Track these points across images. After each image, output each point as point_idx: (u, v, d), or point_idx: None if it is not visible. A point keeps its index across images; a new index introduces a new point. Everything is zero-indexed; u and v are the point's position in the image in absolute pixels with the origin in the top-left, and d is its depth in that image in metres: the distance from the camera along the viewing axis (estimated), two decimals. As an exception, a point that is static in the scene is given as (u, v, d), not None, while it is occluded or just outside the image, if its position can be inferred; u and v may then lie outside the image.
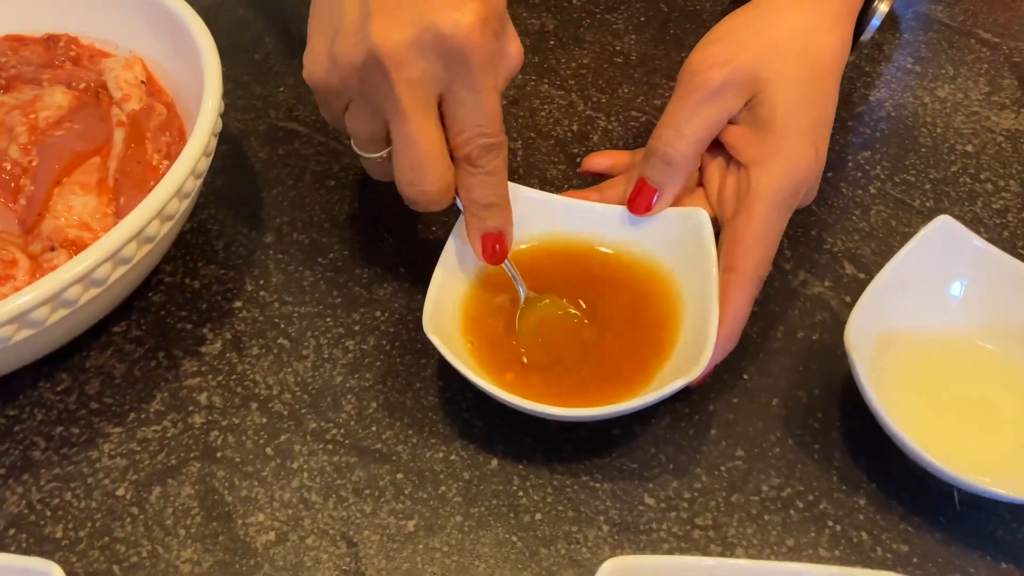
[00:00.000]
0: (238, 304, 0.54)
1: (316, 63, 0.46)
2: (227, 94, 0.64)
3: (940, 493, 0.46)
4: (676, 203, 0.52)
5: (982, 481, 0.43)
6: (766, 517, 0.46)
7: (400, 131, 0.44)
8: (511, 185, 0.49)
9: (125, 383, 0.50)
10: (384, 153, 0.47)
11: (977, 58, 0.70)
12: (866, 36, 0.57)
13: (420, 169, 0.45)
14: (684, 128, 0.50)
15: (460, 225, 0.50)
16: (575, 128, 0.64)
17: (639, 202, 0.52)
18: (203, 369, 0.51)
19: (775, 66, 0.50)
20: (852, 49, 0.56)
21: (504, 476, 0.47)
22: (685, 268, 0.50)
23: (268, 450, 0.48)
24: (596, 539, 0.45)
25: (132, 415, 0.49)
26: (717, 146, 0.53)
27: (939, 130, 0.65)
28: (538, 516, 0.45)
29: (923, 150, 0.63)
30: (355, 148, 0.48)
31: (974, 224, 0.58)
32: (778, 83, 0.50)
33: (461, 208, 0.48)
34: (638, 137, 0.63)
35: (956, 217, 0.51)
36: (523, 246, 0.52)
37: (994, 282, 0.49)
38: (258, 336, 0.52)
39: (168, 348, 0.52)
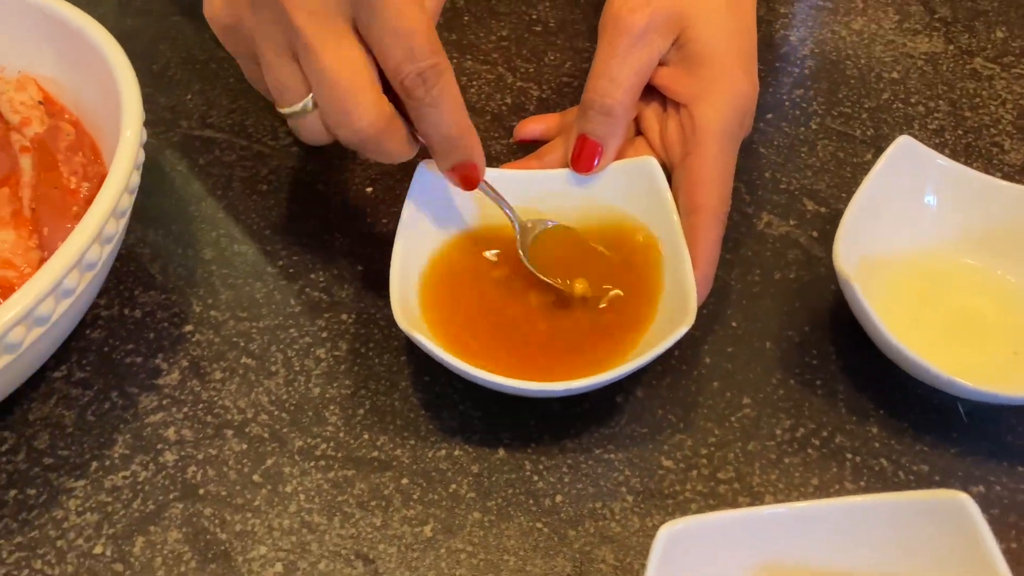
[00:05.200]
0: (188, 328, 0.49)
1: (209, 3, 0.42)
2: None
3: (945, 409, 0.46)
4: (619, 156, 0.51)
5: (987, 387, 0.43)
6: (786, 460, 0.45)
7: (312, 67, 0.40)
8: None
9: (79, 431, 0.45)
10: (308, 102, 0.43)
11: (881, -11, 0.72)
12: None
13: (344, 105, 0.40)
14: (617, 76, 0.49)
15: (406, 206, 0.47)
16: (509, 101, 0.62)
17: (583, 159, 0.50)
18: (164, 402, 0.46)
19: (696, 1, 0.49)
20: None
21: (515, 463, 0.44)
22: (647, 219, 0.49)
23: (255, 477, 0.44)
24: (623, 511, 0.43)
25: (94, 464, 0.44)
26: (648, 94, 0.52)
27: (863, 61, 0.65)
28: (558, 498, 0.43)
29: (852, 81, 0.64)
30: (278, 109, 0.44)
31: (915, 146, 0.59)
32: (702, 17, 0.49)
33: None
34: (575, 102, 0.61)
35: (897, 142, 0.51)
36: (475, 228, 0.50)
37: (962, 197, 0.49)
38: (218, 359, 0.48)
39: (120, 386, 0.47)
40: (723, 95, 0.48)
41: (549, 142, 0.53)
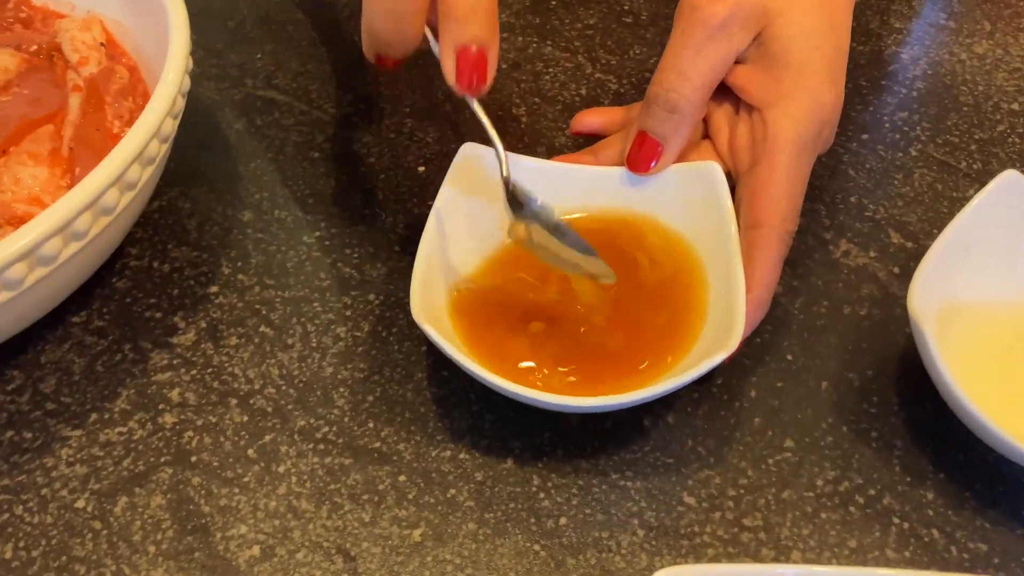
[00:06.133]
0: (214, 289, 0.48)
1: None
2: (199, 62, 0.59)
3: (1019, 483, 0.41)
4: (681, 158, 0.47)
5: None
6: (823, 515, 0.40)
7: None
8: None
9: (86, 380, 0.44)
10: None
11: (1014, 12, 0.65)
12: None
13: None
14: (688, 71, 0.44)
15: (442, 190, 0.44)
16: (583, 92, 0.58)
17: (640, 158, 0.46)
18: (175, 362, 0.45)
19: None
20: None
21: (522, 476, 0.41)
22: (701, 231, 0.45)
23: (250, 452, 0.42)
24: (631, 545, 0.39)
25: (94, 416, 0.43)
26: (721, 91, 0.47)
27: (980, 88, 0.59)
28: (563, 521, 0.40)
29: (965, 109, 0.58)
30: None
31: (1027, 187, 0.53)
32: (789, 14, 0.44)
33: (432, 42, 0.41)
34: (654, 100, 0.58)
35: (1010, 178, 0.45)
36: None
37: (1069, 244, 0.43)
38: (237, 324, 0.46)
39: (135, 340, 0.46)
40: (802, 102, 0.44)
41: (607, 137, 0.50)
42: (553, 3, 0.65)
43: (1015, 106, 0.58)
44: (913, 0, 0.66)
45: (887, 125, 0.57)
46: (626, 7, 0.64)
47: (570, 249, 0.42)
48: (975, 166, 0.55)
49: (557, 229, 0.42)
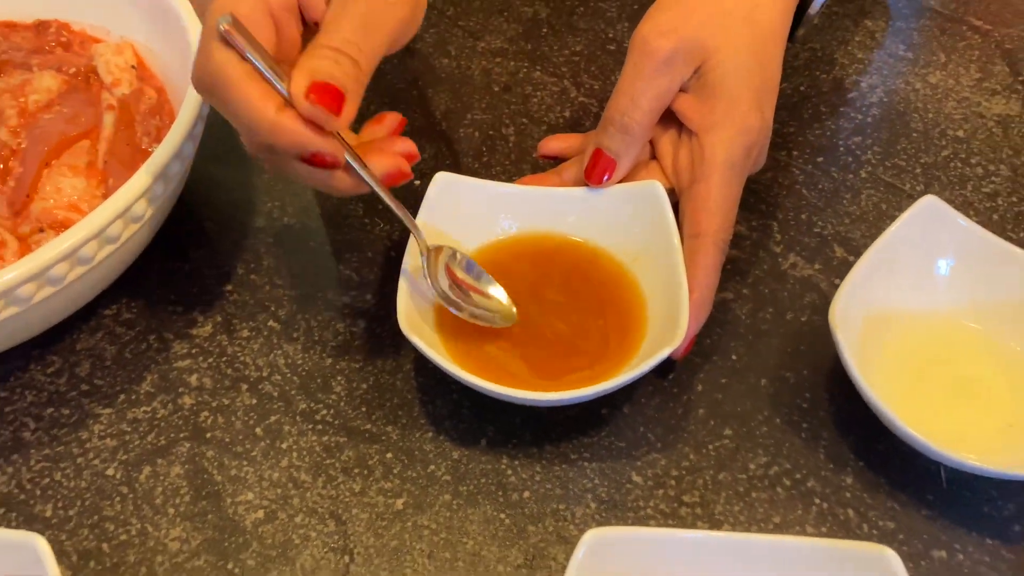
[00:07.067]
0: (228, 287, 0.54)
1: None
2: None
3: (927, 471, 0.46)
4: (632, 177, 0.53)
5: (969, 458, 0.43)
6: (753, 495, 0.46)
7: None
8: (470, 180, 0.51)
9: (116, 365, 0.51)
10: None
11: (968, 45, 0.70)
12: (813, 10, 0.58)
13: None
14: (639, 98, 0.51)
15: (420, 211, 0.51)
16: (567, 115, 0.64)
17: (596, 172, 0.52)
18: (193, 351, 0.51)
19: (721, 34, 0.51)
20: (801, 23, 0.57)
21: (493, 455, 0.47)
22: (647, 242, 0.51)
23: (258, 430, 0.48)
24: (583, 516, 0.45)
25: (122, 396, 0.49)
26: (667, 119, 0.53)
27: (930, 115, 0.65)
28: (526, 494, 0.46)
29: (914, 135, 0.63)
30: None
31: (964, 207, 0.59)
32: (724, 50, 0.50)
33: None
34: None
35: (947, 201, 0.51)
36: (486, 243, 0.52)
37: (980, 261, 0.49)
38: (248, 318, 0.52)
39: (159, 330, 0.52)
40: (732, 128, 0.50)
41: (569, 159, 0.56)
42: (544, 31, 0.70)
43: (960, 133, 0.64)
44: (876, 32, 0.71)
45: (841, 148, 0.63)
46: (610, 35, 0.70)
47: (482, 296, 0.49)
48: (918, 188, 0.60)
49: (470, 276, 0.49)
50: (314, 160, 0.41)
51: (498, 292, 0.49)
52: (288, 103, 0.40)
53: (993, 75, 0.68)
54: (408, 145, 0.46)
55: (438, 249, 0.48)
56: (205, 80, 0.41)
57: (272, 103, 0.40)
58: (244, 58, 0.40)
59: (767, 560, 0.38)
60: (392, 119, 0.47)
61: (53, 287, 0.44)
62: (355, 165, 0.43)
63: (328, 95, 0.40)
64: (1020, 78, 0.68)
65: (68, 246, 0.43)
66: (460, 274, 0.49)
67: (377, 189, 0.44)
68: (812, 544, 0.38)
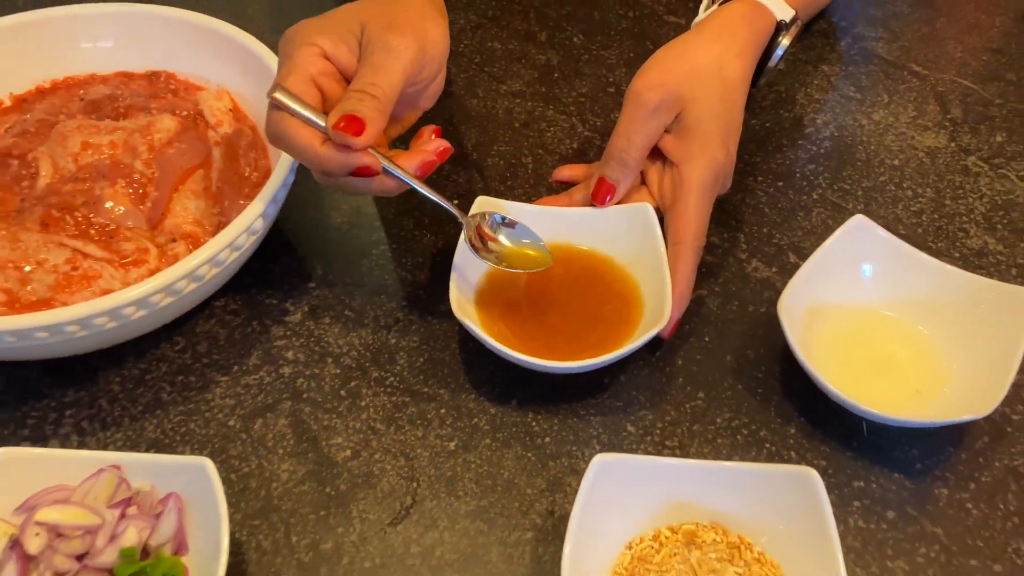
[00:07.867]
0: (312, 284, 0.69)
1: None
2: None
3: (853, 425, 0.61)
4: (626, 199, 0.67)
5: (884, 412, 0.57)
6: (719, 441, 0.60)
7: None
8: (501, 202, 0.64)
9: (228, 344, 0.65)
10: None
11: (908, 87, 0.85)
12: (772, 63, 0.73)
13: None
14: (634, 138, 0.65)
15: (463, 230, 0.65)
16: (575, 146, 0.79)
17: (600, 195, 0.67)
18: (287, 333, 0.66)
19: (697, 87, 0.65)
20: (763, 74, 0.72)
21: (522, 411, 0.62)
22: (640, 250, 0.65)
23: (342, 392, 0.63)
24: (590, 455, 0.59)
25: (236, 367, 0.64)
26: (654, 154, 0.68)
27: (872, 147, 0.80)
28: (547, 439, 0.60)
29: (858, 163, 0.78)
30: None
31: (895, 223, 0.73)
32: (699, 100, 0.65)
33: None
34: (626, 153, 0.78)
35: (880, 218, 0.65)
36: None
37: (895, 265, 0.64)
38: (329, 309, 0.67)
39: (260, 318, 0.67)
40: (703, 160, 0.65)
41: (578, 184, 0.71)
42: (556, 75, 0.85)
43: (896, 162, 0.78)
44: (832, 75, 0.86)
45: (798, 174, 0.77)
46: (610, 79, 0.85)
47: (498, 244, 0.63)
48: (859, 207, 0.75)
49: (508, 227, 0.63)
50: (359, 172, 0.56)
51: (529, 238, 0.63)
52: (327, 138, 0.55)
53: (926, 113, 0.83)
54: (440, 143, 0.60)
55: (475, 217, 0.63)
56: (270, 134, 0.57)
57: (317, 140, 0.55)
58: (293, 113, 0.55)
59: (725, 480, 0.53)
60: (428, 130, 0.62)
61: (196, 283, 0.58)
62: (391, 168, 0.58)
63: (352, 123, 0.54)
64: (948, 116, 0.83)
65: (208, 253, 0.58)
66: (486, 229, 0.63)
67: (412, 183, 0.59)
68: (758, 467, 0.53)
